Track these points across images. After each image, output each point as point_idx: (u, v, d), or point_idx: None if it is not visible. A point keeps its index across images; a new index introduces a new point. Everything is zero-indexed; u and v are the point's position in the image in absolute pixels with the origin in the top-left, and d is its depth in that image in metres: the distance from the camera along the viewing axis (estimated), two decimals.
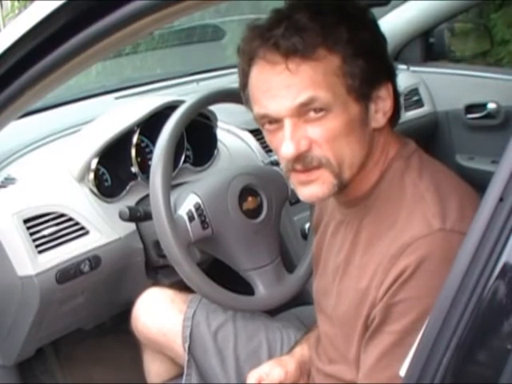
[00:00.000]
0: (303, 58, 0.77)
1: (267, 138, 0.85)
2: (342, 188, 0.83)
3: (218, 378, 1.19)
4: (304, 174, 0.82)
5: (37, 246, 1.21)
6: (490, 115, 1.87)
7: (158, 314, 1.26)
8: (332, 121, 0.78)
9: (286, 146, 0.79)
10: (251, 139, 1.62)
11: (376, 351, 0.80)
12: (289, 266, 1.31)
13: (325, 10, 0.80)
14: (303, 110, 0.78)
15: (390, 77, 0.85)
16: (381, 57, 0.84)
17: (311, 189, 0.82)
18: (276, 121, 0.80)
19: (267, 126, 0.83)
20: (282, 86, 0.78)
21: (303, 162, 0.80)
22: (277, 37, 0.77)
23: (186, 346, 1.20)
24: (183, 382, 1.21)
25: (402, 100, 0.91)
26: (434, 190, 0.79)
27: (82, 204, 1.29)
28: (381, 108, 0.83)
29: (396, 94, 0.85)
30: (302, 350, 1.07)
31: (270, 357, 1.17)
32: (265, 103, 0.80)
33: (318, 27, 0.77)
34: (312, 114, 0.78)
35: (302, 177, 0.82)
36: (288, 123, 0.79)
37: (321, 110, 0.78)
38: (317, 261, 1.01)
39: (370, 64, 0.80)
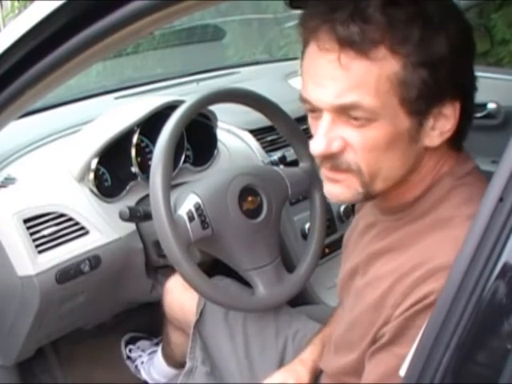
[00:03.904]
0: (359, 53, 0.68)
1: (309, 120, 0.78)
2: (370, 198, 0.78)
3: (225, 355, 1.21)
4: (331, 172, 0.76)
5: (37, 246, 1.21)
6: (490, 115, 1.87)
7: (181, 293, 1.33)
8: (374, 130, 0.70)
9: (315, 142, 0.73)
10: (251, 139, 1.61)
11: (379, 370, 0.77)
12: (289, 266, 1.31)
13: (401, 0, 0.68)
14: (344, 111, 0.71)
15: (463, 94, 0.73)
16: (456, 70, 0.71)
17: (335, 188, 0.77)
18: (316, 109, 0.74)
19: (308, 111, 0.76)
20: (329, 77, 0.70)
21: (332, 162, 0.74)
22: (336, 21, 0.68)
23: (194, 320, 1.24)
24: (187, 355, 1.24)
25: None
26: None
27: (82, 204, 1.29)
28: (439, 127, 0.73)
29: (466, 114, 0.74)
30: (312, 355, 1.06)
31: (277, 335, 1.18)
32: (309, 89, 0.73)
33: (385, 21, 0.67)
34: (353, 118, 0.71)
35: (329, 174, 0.76)
36: (326, 117, 0.72)
37: (364, 117, 0.70)
38: (343, 253, 0.99)
39: (437, 76, 0.69)
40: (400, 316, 0.73)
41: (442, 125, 0.72)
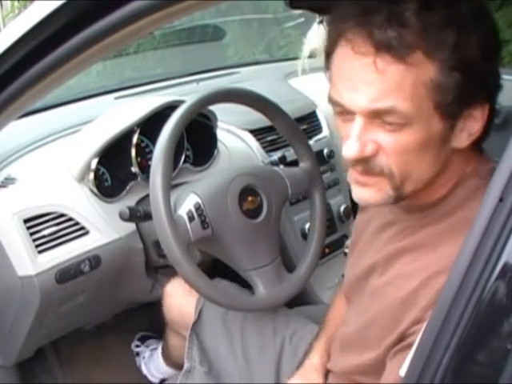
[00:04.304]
0: (395, 57, 0.67)
1: (336, 121, 0.78)
2: (400, 200, 0.78)
3: (223, 356, 1.21)
4: (362, 175, 0.75)
5: (37, 246, 1.20)
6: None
7: (180, 296, 1.33)
8: (408, 134, 0.71)
9: (349, 146, 0.73)
10: (251, 139, 1.61)
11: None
12: (289, 266, 1.31)
13: (435, 3, 0.68)
14: (378, 116, 0.71)
15: (491, 96, 0.75)
16: (487, 71, 0.72)
17: (365, 192, 0.77)
18: (348, 112, 0.73)
19: (338, 113, 0.76)
20: (365, 80, 0.69)
21: (364, 165, 0.74)
22: (373, 25, 0.67)
23: (192, 321, 1.25)
24: (185, 355, 1.25)
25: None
26: None
27: (82, 204, 1.29)
28: (468, 128, 0.73)
29: (492, 115, 0.75)
30: (321, 360, 1.05)
31: (274, 335, 1.19)
32: (341, 91, 0.73)
33: (421, 25, 0.67)
34: (387, 123, 0.71)
35: (359, 177, 0.76)
36: (359, 121, 0.72)
37: (398, 122, 0.70)
38: (351, 254, 0.99)
39: (470, 79, 0.69)
40: None
41: (471, 126, 0.73)
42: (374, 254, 0.88)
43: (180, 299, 1.33)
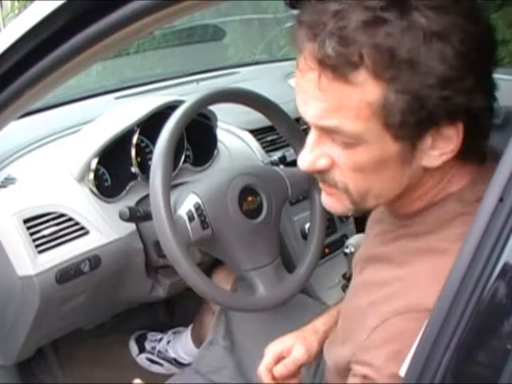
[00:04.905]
0: (337, 75, 0.62)
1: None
2: (363, 211, 0.75)
3: (247, 336, 1.26)
4: (322, 183, 0.74)
5: (37, 246, 1.20)
6: None
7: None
8: (360, 153, 0.66)
9: (301, 157, 0.71)
10: (251, 139, 1.61)
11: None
12: (289, 266, 1.31)
13: (389, 14, 0.60)
14: (327, 132, 0.67)
15: (467, 114, 0.64)
16: (454, 93, 0.62)
17: (327, 200, 0.75)
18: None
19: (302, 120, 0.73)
20: (311, 95, 0.65)
21: (320, 176, 0.72)
22: (316, 40, 0.62)
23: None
24: (211, 329, 1.32)
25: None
26: None
27: (82, 204, 1.29)
28: (440, 147, 0.66)
29: (476, 131, 0.67)
30: (324, 326, 1.04)
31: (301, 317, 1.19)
32: (297, 102, 0.69)
33: (366, 42, 0.60)
34: (337, 140, 0.67)
35: (321, 185, 0.74)
36: (312, 134, 0.70)
37: (346, 141, 0.66)
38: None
39: (424, 103, 0.62)
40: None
41: (443, 145, 0.66)
42: (364, 247, 0.87)
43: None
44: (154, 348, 1.76)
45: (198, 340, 1.62)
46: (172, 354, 1.73)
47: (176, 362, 1.73)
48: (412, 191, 0.72)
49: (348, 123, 0.64)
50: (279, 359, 1.01)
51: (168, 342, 1.75)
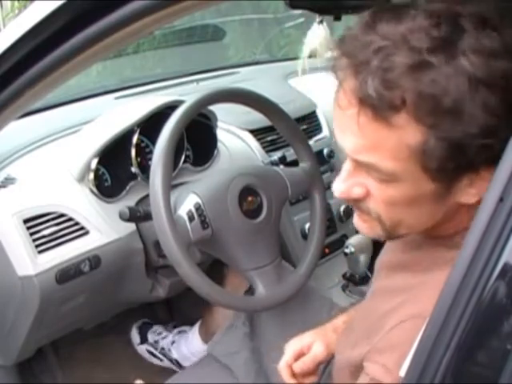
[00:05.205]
0: (377, 116, 0.61)
1: None
2: (393, 238, 0.76)
3: (267, 324, 1.28)
4: (355, 209, 0.74)
5: (37, 246, 1.20)
6: None
7: None
8: (395, 189, 0.66)
9: (335, 185, 0.71)
10: (251, 139, 1.61)
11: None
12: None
13: (436, 58, 0.58)
14: (363, 166, 0.67)
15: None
16: (496, 142, 0.60)
17: (359, 224, 0.75)
18: None
19: None
20: (349, 129, 0.65)
21: (354, 203, 0.72)
22: (358, 78, 0.61)
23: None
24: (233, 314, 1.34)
25: None
26: None
27: (82, 204, 1.29)
28: (477, 186, 0.65)
29: None
30: (344, 325, 1.04)
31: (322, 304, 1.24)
32: (335, 129, 0.69)
33: (410, 87, 0.59)
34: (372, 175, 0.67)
35: (355, 210, 0.74)
36: (348, 164, 0.69)
37: (382, 178, 0.66)
38: None
39: (464, 151, 0.61)
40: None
41: (480, 185, 0.64)
42: (386, 252, 0.87)
43: None
44: (156, 342, 1.76)
45: (206, 336, 1.63)
46: (175, 355, 1.73)
47: (177, 363, 1.73)
48: (445, 223, 0.72)
49: (385, 162, 0.64)
50: (299, 356, 1.02)
51: (172, 343, 1.75)
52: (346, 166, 0.70)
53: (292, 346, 1.03)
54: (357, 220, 0.76)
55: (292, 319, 1.28)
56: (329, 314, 1.30)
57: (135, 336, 1.79)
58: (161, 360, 1.76)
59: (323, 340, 1.02)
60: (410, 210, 0.68)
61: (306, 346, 1.02)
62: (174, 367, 1.73)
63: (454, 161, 0.62)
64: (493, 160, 0.59)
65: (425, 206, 0.68)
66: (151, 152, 1.28)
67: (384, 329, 0.74)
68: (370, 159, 0.65)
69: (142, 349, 1.77)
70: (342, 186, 0.70)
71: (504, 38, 0.60)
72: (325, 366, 1.10)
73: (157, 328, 1.80)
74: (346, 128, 0.66)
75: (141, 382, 1.05)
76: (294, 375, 1.01)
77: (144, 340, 1.78)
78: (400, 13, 0.62)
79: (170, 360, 1.74)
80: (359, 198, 0.70)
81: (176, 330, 1.78)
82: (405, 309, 0.72)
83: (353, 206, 0.74)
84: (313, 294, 1.34)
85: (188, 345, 1.71)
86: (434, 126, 0.60)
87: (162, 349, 1.75)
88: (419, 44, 0.59)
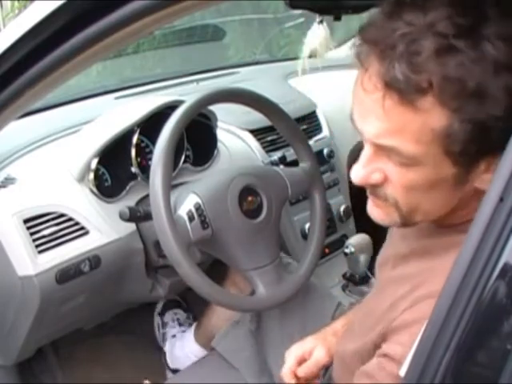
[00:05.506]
0: (403, 99, 0.63)
1: None
2: (409, 225, 0.76)
3: (274, 323, 1.29)
4: (372, 196, 0.75)
5: (37, 246, 1.20)
6: None
7: None
8: (416, 173, 0.67)
9: (355, 171, 0.72)
10: (251, 139, 1.61)
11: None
12: (289, 266, 1.31)
13: (462, 42, 0.60)
14: (384, 150, 0.68)
15: None
16: None
17: (373, 211, 0.76)
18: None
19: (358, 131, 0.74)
20: (373, 114, 0.66)
21: (371, 189, 0.73)
22: (385, 60, 0.63)
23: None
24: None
25: None
26: None
27: (82, 204, 1.29)
28: (493, 171, 0.63)
29: None
30: (343, 328, 1.05)
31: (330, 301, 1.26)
32: (355, 115, 0.70)
33: (437, 71, 0.60)
34: (393, 159, 0.68)
35: (370, 196, 0.75)
36: (367, 149, 0.70)
37: (403, 162, 0.67)
38: (388, 237, 0.98)
39: (487, 134, 0.63)
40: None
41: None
42: (394, 247, 0.87)
43: None
44: (166, 325, 1.77)
45: (201, 338, 1.63)
46: (166, 348, 1.73)
47: (164, 357, 1.73)
48: (460, 210, 0.73)
49: (407, 145, 0.65)
50: (301, 362, 1.03)
51: (173, 336, 1.74)
52: (366, 152, 0.70)
53: (294, 352, 1.04)
54: (371, 206, 0.76)
55: (296, 317, 1.29)
56: (332, 311, 1.32)
57: (159, 305, 1.81)
58: (158, 340, 1.77)
59: (324, 344, 1.03)
60: (428, 195, 0.69)
61: (307, 352, 1.03)
62: (162, 358, 1.73)
63: (477, 144, 0.63)
64: None
65: (442, 191, 0.69)
66: (151, 152, 1.28)
67: (397, 310, 0.74)
68: (393, 143, 0.66)
69: (157, 319, 1.79)
70: (362, 171, 0.71)
71: None
72: (325, 369, 1.10)
73: (177, 312, 1.80)
74: (369, 112, 0.67)
75: (148, 382, 1.06)
76: (297, 380, 1.02)
77: (162, 313, 1.79)
78: (424, 1, 0.63)
79: (161, 349, 1.75)
80: (377, 183, 0.71)
81: (184, 327, 1.77)
82: (418, 291, 0.72)
83: (369, 192, 0.74)
84: (316, 291, 1.35)
85: (182, 344, 1.71)
86: (459, 109, 0.62)
87: (164, 334, 1.76)
88: (445, 30, 0.60)
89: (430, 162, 0.66)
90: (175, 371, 1.66)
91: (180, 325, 1.78)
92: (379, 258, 0.93)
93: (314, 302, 1.32)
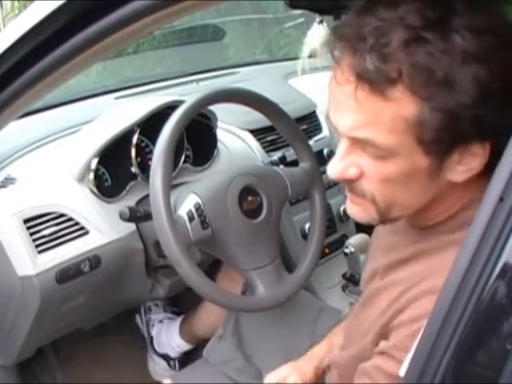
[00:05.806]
0: (374, 89, 0.64)
1: None
2: (388, 222, 0.77)
3: (258, 337, 1.31)
4: (349, 192, 0.75)
5: (37, 246, 1.20)
6: None
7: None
8: (390, 165, 0.68)
9: (331, 166, 0.72)
10: (251, 139, 1.61)
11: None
12: (289, 265, 1.31)
13: (430, 34, 0.62)
14: (359, 143, 0.69)
15: (495, 134, 0.65)
16: (485, 114, 0.64)
17: (351, 208, 0.76)
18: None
19: (333, 128, 0.74)
20: (346, 106, 0.67)
21: (348, 185, 0.74)
22: (356, 54, 0.64)
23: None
24: (221, 323, 1.37)
25: None
26: None
27: (82, 204, 1.29)
28: (466, 162, 0.68)
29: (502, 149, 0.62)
30: (321, 354, 1.08)
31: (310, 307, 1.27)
32: (330, 110, 0.71)
33: (406, 60, 0.62)
34: (368, 151, 0.69)
35: (347, 194, 0.76)
36: (343, 143, 0.71)
37: (378, 153, 0.68)
38: (368, 251, 0.98)
39: (457, 122, 0.64)
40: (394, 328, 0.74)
41: (470, 161, 0.68)
42: (382, 257, 0.87)
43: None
44: (150, 310, 1.77)
45: (185, 332, 1.67)
46: (153, 333, 1.74)
47: (151, 342, 1.74)
48: (435, 204, 0.74)
49: (381, 136, 0.66)
50: None
51: (160, 321, 1.75)
52: (341, 146, 0.71)
53: (269, 380, 1.08)
54: (349, 204, 0.77)
55: (278, 326, 1.30)
56: (318, 316, 1.33)
57: (142, 313, 1.81)
58: (142, 328, 1.77)
59: (298, 372, 1.08)
60: (404, 188, 0.70)
61: (281, 380, 1.07)
62: (149, 344, 1.74)
63: (448, 131, 0.64)
64: (484, 134, 0.66)
65: (418, 184, 0.70)
66: (151, 152, 1.28)
67: (394, 310, 0.74)
68: (367, 134, 0.66)
69: (141, 310, 1.79)
70: (338, 166, 0.71)
71: (490, 17, 0.65)
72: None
73: (158, 302, 1.81)
74: (342, 105, 0.68)
75: (169, 381, 1.09)
76: None
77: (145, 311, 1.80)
78: None
79: (148, 333, 1.75)
80: (354, 178, 0.71)
81: (169, 314, 1.78)
82: (416, 288, 0.72)
83: (346, 188, 0.75)
84: (302, 296, 1.35)
85: (168, 332, 1.72)
86: (429, 98, 0.63)
87: (149, 319, 1.76)
88: (414, 22, 0.62)
89: (404, 152, 0.67)
90: (164, 356, 1.70)
91: (165, 310, 1.79)
92: (365, 275, 0.93)
93: (295, 308, 1.33)
